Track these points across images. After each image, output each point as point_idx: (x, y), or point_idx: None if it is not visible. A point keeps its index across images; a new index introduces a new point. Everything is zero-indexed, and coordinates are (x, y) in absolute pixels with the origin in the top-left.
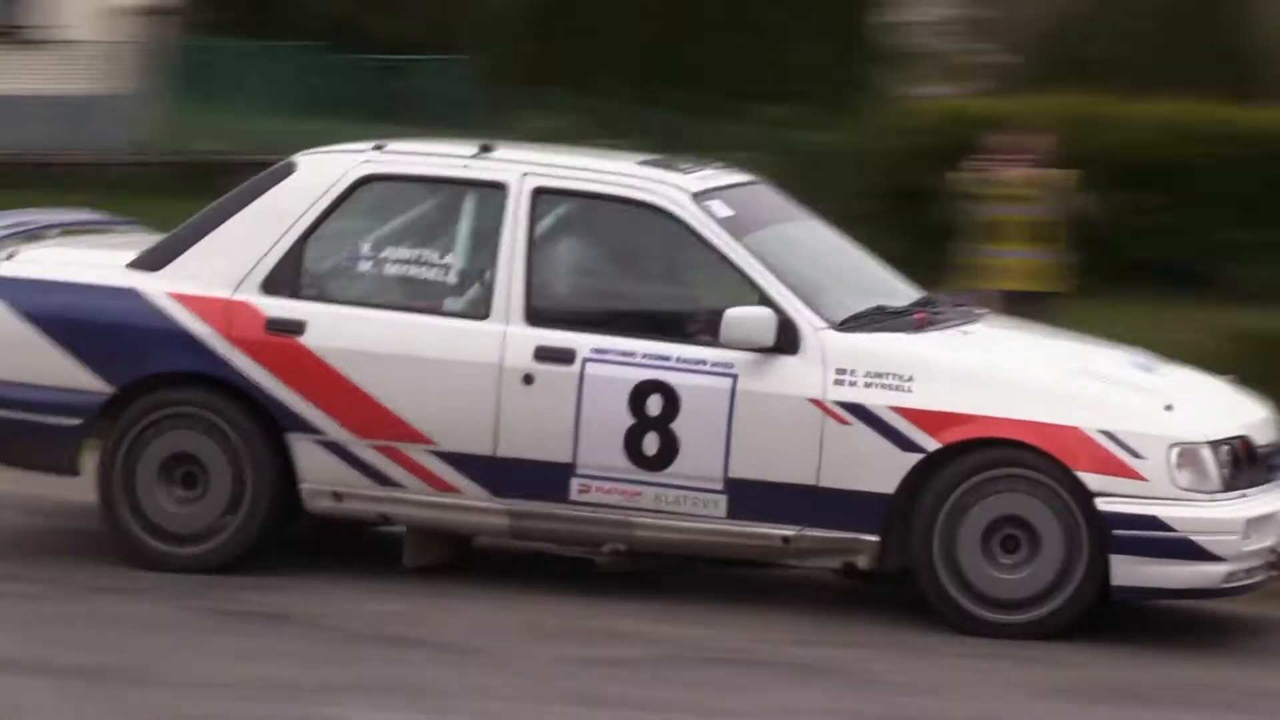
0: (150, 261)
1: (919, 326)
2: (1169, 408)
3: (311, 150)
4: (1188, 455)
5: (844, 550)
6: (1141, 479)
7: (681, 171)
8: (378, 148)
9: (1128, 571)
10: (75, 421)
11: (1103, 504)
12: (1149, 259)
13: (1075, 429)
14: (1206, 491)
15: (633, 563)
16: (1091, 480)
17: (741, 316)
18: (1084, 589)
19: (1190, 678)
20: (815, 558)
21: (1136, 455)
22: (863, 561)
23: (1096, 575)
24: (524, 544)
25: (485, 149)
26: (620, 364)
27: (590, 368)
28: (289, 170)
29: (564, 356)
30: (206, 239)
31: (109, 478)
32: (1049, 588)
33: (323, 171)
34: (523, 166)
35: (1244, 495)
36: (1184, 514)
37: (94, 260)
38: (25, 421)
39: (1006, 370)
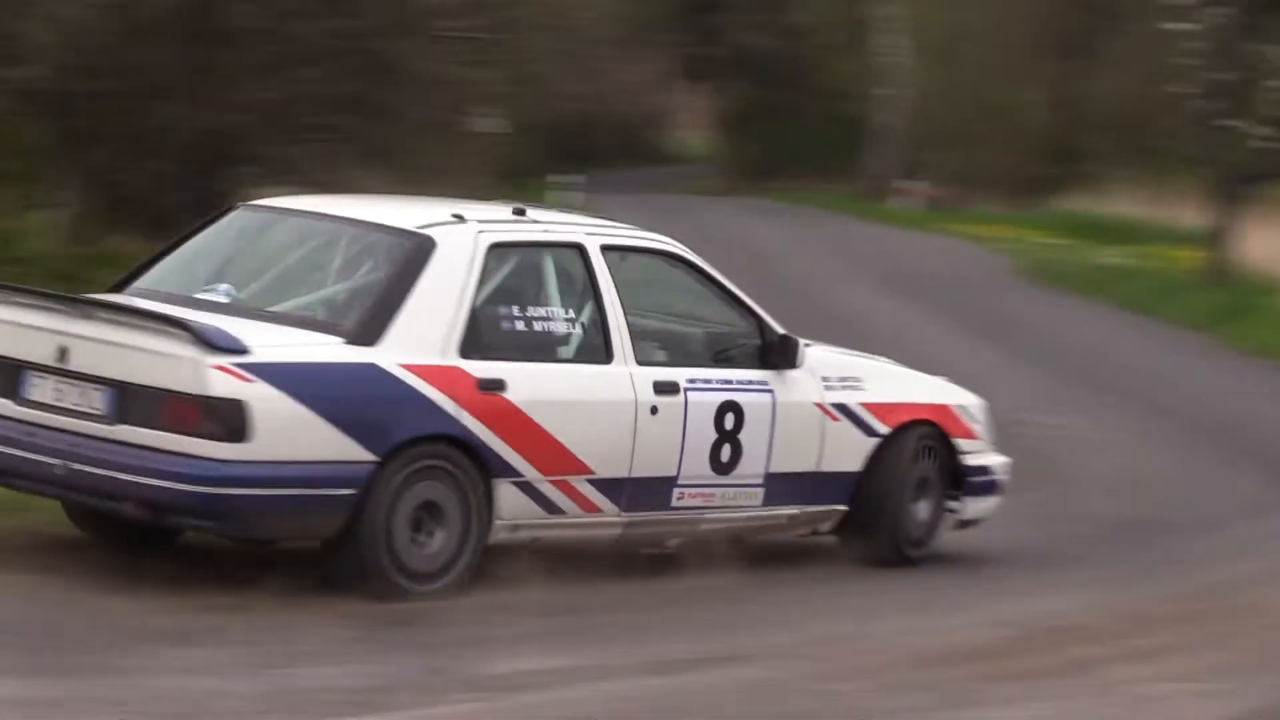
0: (363, 335)
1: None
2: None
3: (427, 225)
4: (987, 416)
5: (823, 519)
6: (977, 438)
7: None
8: (458, 217)
9: (971, 507)
10: (351, 491)
11: (965, 459)
12: None
13: (947, 406)
14: (990, 444)
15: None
16: (960, 443)
17: (805, 344)
18: (943, 526)
19: None
20: (799, 528)
21: (974, 420)
22: (825, 527)
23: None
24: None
25: (520, 211)
26: (706, 390)
27: (690, 395)
28: (431, 244)
29: (673, 388)
30: (402, 312)
31: (372, 528)
32: (931, 526)
33: (461, 243)
34: (581, 227)
35: None
36: (995, 461)
37: (301, 339)
38: (304, 496)
39: (893, 369)
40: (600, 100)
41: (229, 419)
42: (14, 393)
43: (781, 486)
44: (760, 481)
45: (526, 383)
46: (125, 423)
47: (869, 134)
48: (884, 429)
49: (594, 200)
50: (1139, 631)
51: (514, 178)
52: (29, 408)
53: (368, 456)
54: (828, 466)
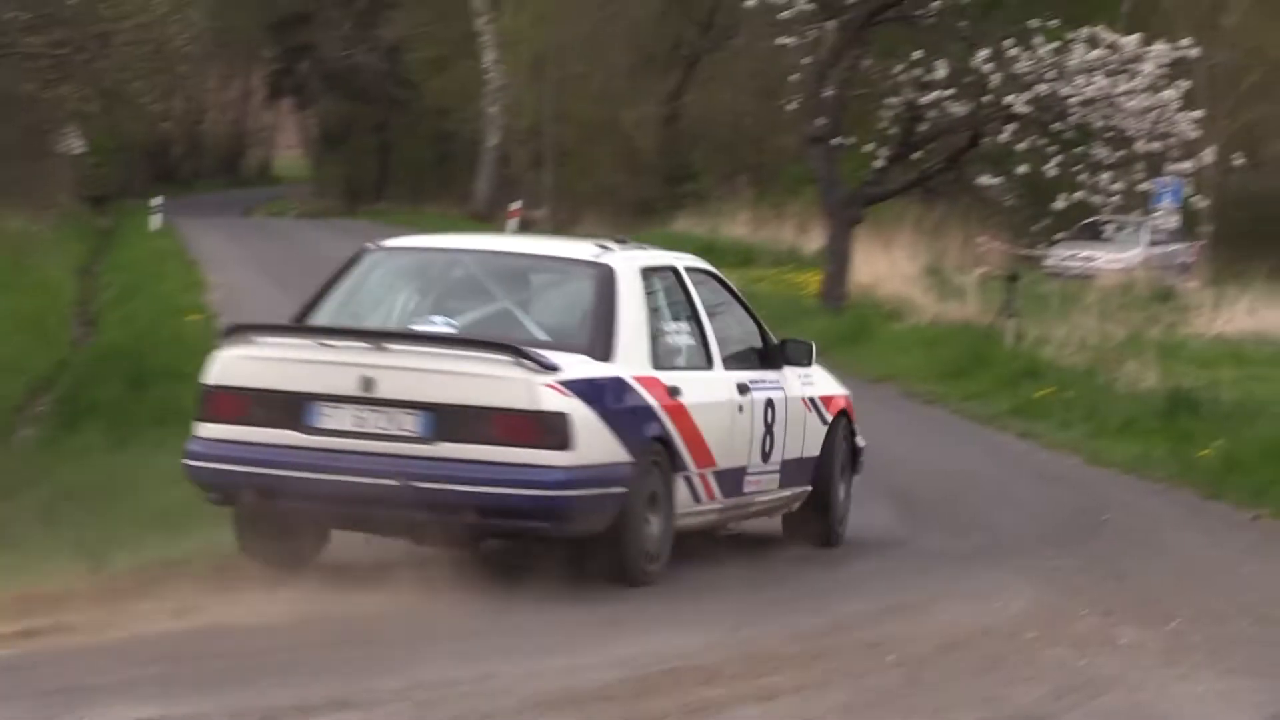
0: (603, 353)
1: None
2: None
3: (597, 255)
4: None
5: (799, 499)
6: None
7: None
8: (604, 248)
9: (856, 480)
10: (624, 489)
11: (858, 441)
12: None
13: (847, 396)
14: None
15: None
16: (855, 428)
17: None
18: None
19: None
20: (785, 508)
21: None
22: (796, 506)
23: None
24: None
25: (621, 240)
26: (758, 389)
27: (753, 394)
28: (612, 272)
29: (746, 389)
30: (619, 332)
31: (634, 519)
32: (846, 504)
33: (629, 269)
34: (670, 253)
35: None
36: (863, 444)
37: (570, 359)
38: (603, 495)
39: (816, 368)
40: (192, 119)
41: (557, 430)
42: (297, 423)
43: (789, 471)
44: (779, 468)
45: (689, 388)
46: (445, 441)
47: (477, 154)
48: (829, 417)
49: (178, 224)
50: (762, 670)
51: (106, 199)
52: (321, 436)
53: (629, 457)
54: (806, 452)
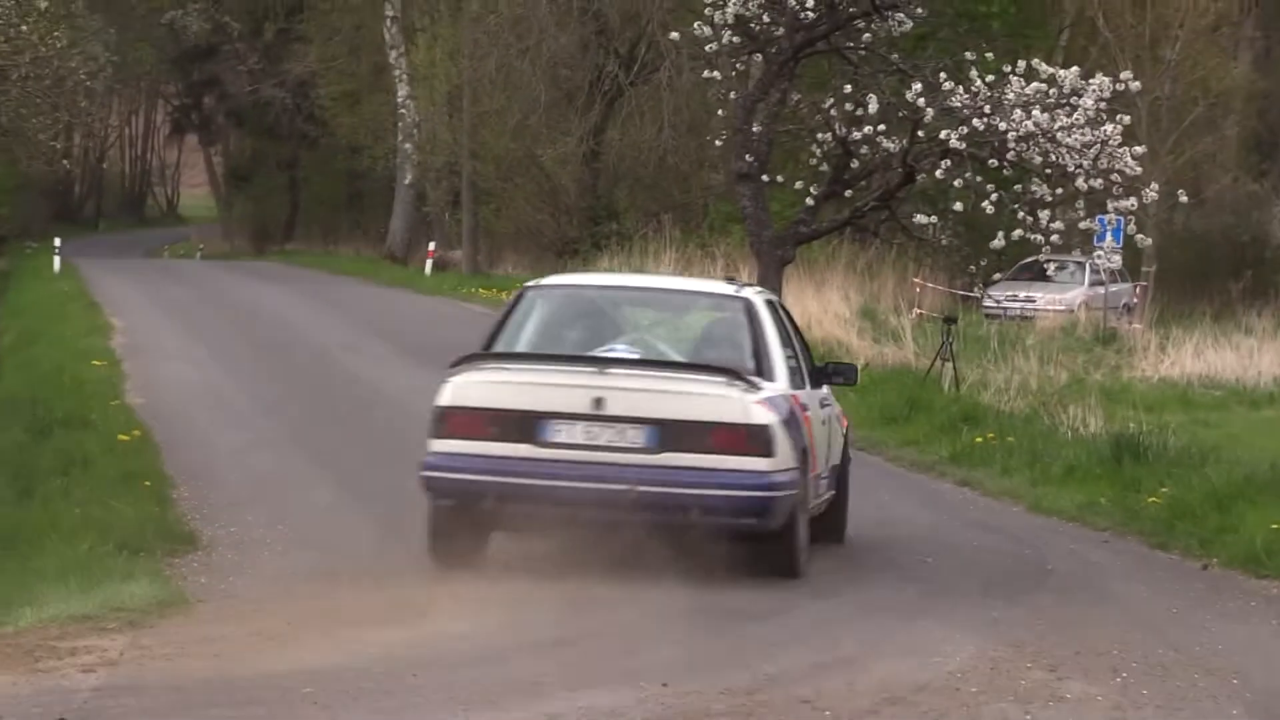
0: (767, 375)
1: None
2: None
3: (736, 290)
4: None
5: (829, 501)
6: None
7: None
8: (734, 283)
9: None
10: (795, 491)
11: (849, 450)
12: None
13: (843, 412)
14: None
15: None
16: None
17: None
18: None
19: None
20: (821, 510)
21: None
22: (823, 509)
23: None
24: None
25: (732, 279)
26: (825, 405)
27: (824, 410)
28: (752, 304)
29: (824, 404)
30: (768, 360)
31: (801, 516)
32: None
33: (759, 301)
34: (764, 290)
35: None
36: None
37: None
38: (791, 495)
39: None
40: (94, 156)
41: (764, 440)
42: (532, 438)
43: (832, 476)
44: (829, 473)
45: (809, 404)
46: (668, 451)
47: (392, 192)
48: (843, 429)
49: (79, 266)
50: None
51: (4, 240)
52: (553, 449)
53: (797, 464)
54: (837, 459)
